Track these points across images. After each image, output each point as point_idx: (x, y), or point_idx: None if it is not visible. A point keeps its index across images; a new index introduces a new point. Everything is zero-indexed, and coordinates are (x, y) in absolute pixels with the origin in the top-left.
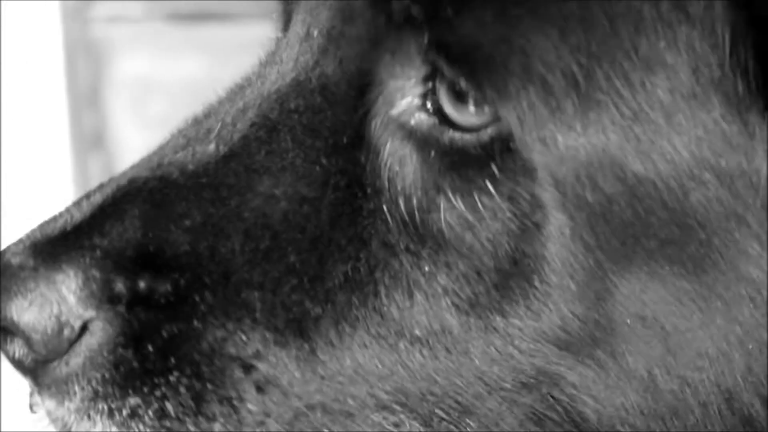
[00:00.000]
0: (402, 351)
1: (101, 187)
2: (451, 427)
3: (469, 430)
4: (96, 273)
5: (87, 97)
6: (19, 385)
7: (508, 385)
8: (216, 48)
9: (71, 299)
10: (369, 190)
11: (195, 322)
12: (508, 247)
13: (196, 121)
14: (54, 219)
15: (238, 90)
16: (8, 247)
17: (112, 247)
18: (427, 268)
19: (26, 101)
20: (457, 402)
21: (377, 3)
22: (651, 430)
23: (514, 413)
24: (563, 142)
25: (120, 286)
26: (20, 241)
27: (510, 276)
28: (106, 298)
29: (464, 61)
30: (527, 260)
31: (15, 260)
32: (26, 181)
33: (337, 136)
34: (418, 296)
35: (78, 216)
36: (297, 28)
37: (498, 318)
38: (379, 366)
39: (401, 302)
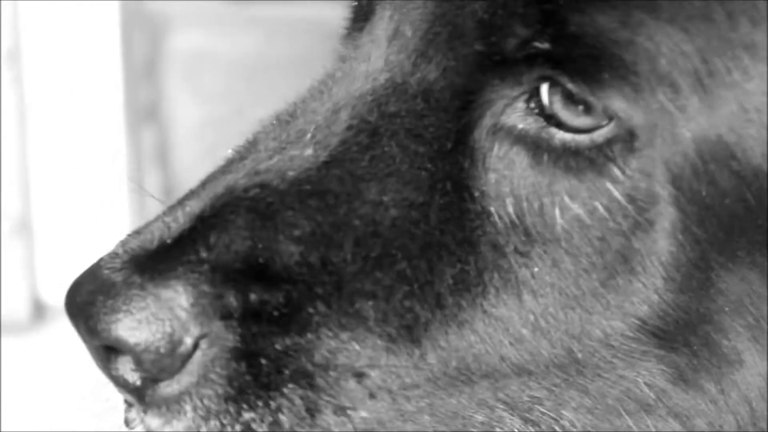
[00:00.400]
0: (508, 351)
1: (193, 194)
2: (551, 422)
3: (567, 424)
4: (206, 288)
5: (142, 70)
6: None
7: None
8: (270, 25)
9: (183, 316)
10: (476, 194)
11: (308, 334)
12: (619, 245)
13: (283, 122)
14: (148, 230)
15: (322, 88)
16: (104, 261)
17: (219, 260)
18: (536, 268)
19: (83, 74)
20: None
21: (493, 31)
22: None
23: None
24: (689, 137)
25: (231, 300)
26: (116, 254)
27: (617, 271)
28: (218, 314)
29: (584, 70)
30: (637, 256)
31: (118, 277)
32: (81, 153)
33: (440, 142)
34: (526, 295)
35: (176, 227)
36: (383, 24)
37: (602, 310)
38: (484, 366)
39: (509, 302)
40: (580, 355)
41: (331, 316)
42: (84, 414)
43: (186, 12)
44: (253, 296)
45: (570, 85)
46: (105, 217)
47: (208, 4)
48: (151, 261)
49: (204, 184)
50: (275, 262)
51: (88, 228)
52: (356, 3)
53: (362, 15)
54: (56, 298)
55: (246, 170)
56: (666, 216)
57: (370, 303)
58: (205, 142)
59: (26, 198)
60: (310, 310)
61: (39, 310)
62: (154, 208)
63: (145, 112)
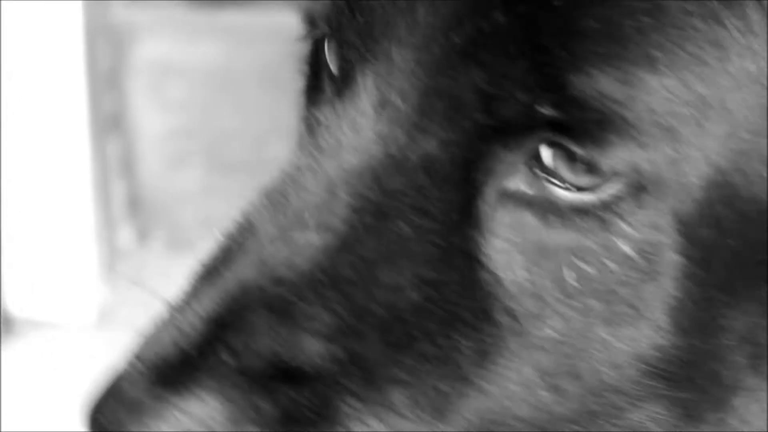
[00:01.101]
0: (525, 411)
1: (199, 291)
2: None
3: None
4: (236, 396)
5: (106, 79)
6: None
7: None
8: (235, 33)
9: (217, 428)
10: (486, 262)
11: (340, 428)
12: (627, 295)
13: (276, 202)
14: (162, 337)
15: (311, 162)
16: (123, 377)
17: (245, 364)
18: (548, 329)
19: (46, 84)
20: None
21: (493, 100)
22: None
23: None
24: (696, 184)
25: (263, 405)
26: (134, 368)
27: (625, 320)
28: (251, 420)
29: (588, 132)
30: (644, 303)
31: (142, 393)
32: (46, 163)
33: (446, 215)
34: (541, 355)
35: (191, 331)
36: (368, 93)
37: (612, 359)
38: (502, 429)
39: (525, 364)
40: (593, 407)
41: (361, 408)
42: (55, 425)
43: (150, 21)
44: (282, 398)
45: (574, 148)
46: (71, 229)
47: (173, 13)
48: (174, 372)
49: (207, 277)
50: (300, 360)
51: (54, 239)
52: (334, 68)
53: (341, 81)
54: (23, 311)
55: (253, 262)
56: (671, 263)
57: (398, 389)
58: (170, 151)
59: None
60: (340, 404)
61: (7, 324)
62: (120, 219)
63: (110, 121)
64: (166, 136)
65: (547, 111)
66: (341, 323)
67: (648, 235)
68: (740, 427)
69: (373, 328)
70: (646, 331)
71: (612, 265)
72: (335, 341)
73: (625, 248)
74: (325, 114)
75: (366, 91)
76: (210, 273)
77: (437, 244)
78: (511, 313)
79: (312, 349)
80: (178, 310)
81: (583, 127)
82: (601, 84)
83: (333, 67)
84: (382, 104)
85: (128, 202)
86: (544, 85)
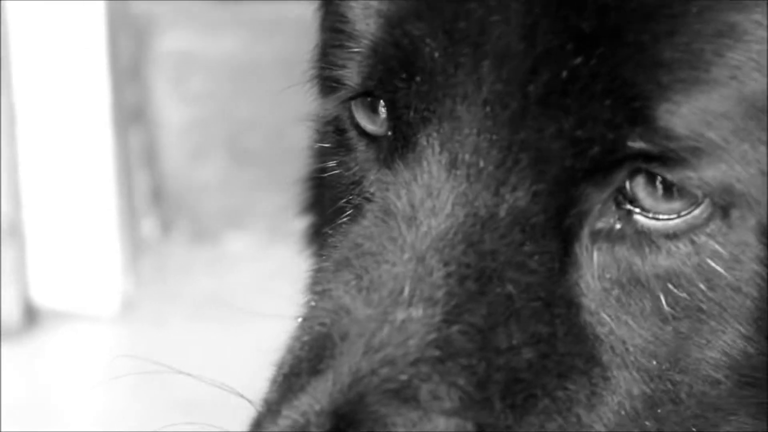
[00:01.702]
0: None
1: (305, 385)
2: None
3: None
4: None
5: (128, 72)
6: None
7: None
8: (255, 25)
9: None
10: (589, 304)
11: None
12: (716, 306)
13: (361, 280)
14: None
15: (385, 230)
16: None
17: None
18: (641, 343)
19: (68, 76)
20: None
21: (583, 144)
22: None
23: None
24: None
25: None
26: None
27: (710, 328)
28: None
29: (679, 159)
30: (727, 316)
31: None
32: (70, 155)
33: (545, 267)
34: (636, 374)
35: (315, 429)
36: (434, 154)
37: (694, 350)
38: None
39: (631, 385)
40: (690, 428)
41: None
42: (79, 416)
43: (172, 13)
44: None
45: (668, 175)
46: (94, 220)
47: (194, 5)
48: None
49: (310, 370)
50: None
51: (78, 230)
52: (391, 133)
53: (398, 143)
54: (48, 301)
55: (358, 347)
56: (755, 271)
57: None
58: (192, 142)
59: (17, 202)
60: None
61: (31, 315)
62: (143, 210)
63: (132, 113)
64: (187, 128)
65: (636, 144)
66: (465, 396)
67: (737, 251)
68: None
69: (496, 395)
70: (735, 342)
71: (703, 285)
72: (463, 416)
73: (716, 267)
74: (382, 177)
75: (434, 152)
76: (312, 365)
77: (541, 298)
78: (614, 350)
79: (442, 426)
80: (288, 407)
81: (672, 153)
82: (688, 111)
83: (371, 127)
84: (454, 164)
85: (151, 193)
86: (632, 120)
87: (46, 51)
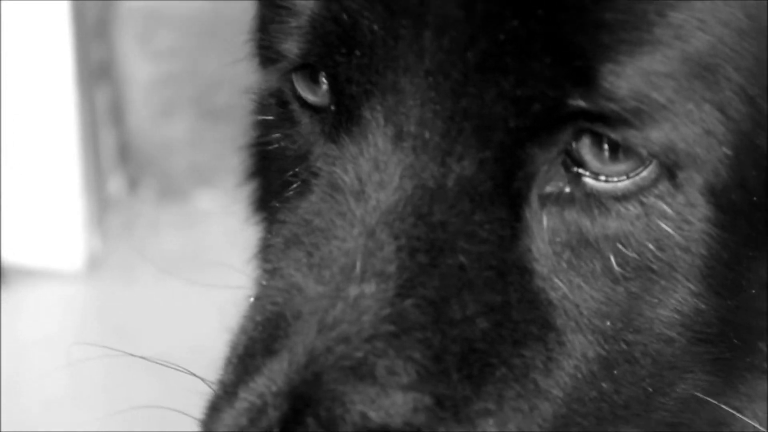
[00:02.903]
0: (581, 347)
1: (261, 365)
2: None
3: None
4: None
5: (94, 28)
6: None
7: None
8: None
9: None
10: (540, 269)
11: None
12: (665, 267)
13: (311, 256)
14: (236, 420)
15: (335, 206)
16: None
17: None
18: (593, 305)
19: (33, 34)
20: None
21: (525, 103)
22: None
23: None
24: (726, 152)
25: None
26: None
27: (661, 287)
28: None
29: (622, 118)
30: (678, 271)
31: None
32: (33, 113)
33: (496, 234)
34: (590, 336)
35: (271, 410)
36: (379, 128)
37: (646, 310)
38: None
39: (583, 344)
40: (647, 388)
41: None
42: (44, 373)
43: None
44: None
45: (609, 133)
46: (60, 178)
47: None
48: None
49: (265, 351)
50: (390, 416)
51: (44, 188)
52: (334, 107)
53: (342, 117)
54: (15, 259)
55: (311, 325)
56: (703, 231)
57: (489, 420)
58: (159, 100)
59: None
60: None
61: None
62: (109, 168)
63: (99, 70)
64: (155, 85)
65: (578, 103)
66: (422, 370)
67: (685, 211)
68: (765, 366)
69: (453, 367)
70: (686, 300)
71: (652, 245)
72: (420, 390)
73: (665, 227)
74: (328, 152)
75: (378, 125)
76: (266, 345)
77: (494, 266)
78: (567, 314)
79: (398, 402)
80: (245, 389)
81: (615, 114)
82: (631, 71)
83: (312, 99)
84: (400, 136)
85: (118, 150)
86: (573, 80)
87: (8, 8)
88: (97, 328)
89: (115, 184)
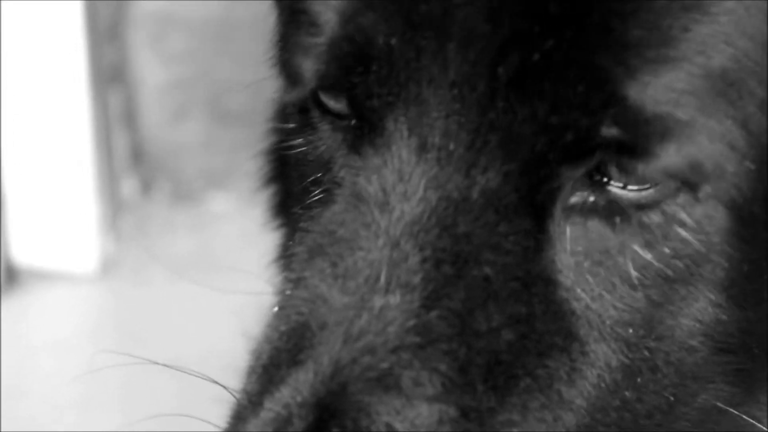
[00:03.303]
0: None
1: (286, 376)
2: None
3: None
4: None
5: (107, 32)
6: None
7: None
8: None
9: None
10: (564, 281)
11: None
12: (684, 278)
13: (335, 267)
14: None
15: (358, 217)
16: None
17: None
18: (614, 314)
19: (46, 37)
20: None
21: (556, 129)
22: None
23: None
24: (749, 166)
25: None
26: None
27: (680, 296)
28: None
29: (649, 145)
30: (698, 284)
31: None
32: (48, 116)
33: (520, 245)
34: (613, 344)
35: (297, 421)
36: (403, 138)
37: (667, 318)
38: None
39: (606, 355)
40: (669, 397)
41: None
42: (58, 376)
43: None
44: None
45: (639, 167)
46: (73, 180)
47: None
48: None
49: (290, 361)
50: (416, 427)
51: (57, 191)
52: (355, 120)
53: (365, 130)
54: (28, 261)
55: (337, 336)
56: (724, 241)
57: (515, 431)
58: (172, 103)
59: None
60: None
61: (12, 274)
62: (123, 170)
63: (112, 73)
64: (168, 88)
65: (610, 132)
66: (447, 381)
67: (705, 222)
68: None
69: (478, 379)
70: (707, 309)
71: (672, 253)
72: (446, 401)
73: (686, 235)
74: (351, 163)
75: (402, 136)
76: (292, 355)
77: (518, 278)
78: (590, 324)
79: (424, 413)
80: (270, 399)
81: (643, 141)
82: (654, 91)
83: (334, 106)
84: (424, 148)
85: (131, 153)
86: (604, 105)
87: (23, 12)
88: (111, 331)
89: (128, 186)
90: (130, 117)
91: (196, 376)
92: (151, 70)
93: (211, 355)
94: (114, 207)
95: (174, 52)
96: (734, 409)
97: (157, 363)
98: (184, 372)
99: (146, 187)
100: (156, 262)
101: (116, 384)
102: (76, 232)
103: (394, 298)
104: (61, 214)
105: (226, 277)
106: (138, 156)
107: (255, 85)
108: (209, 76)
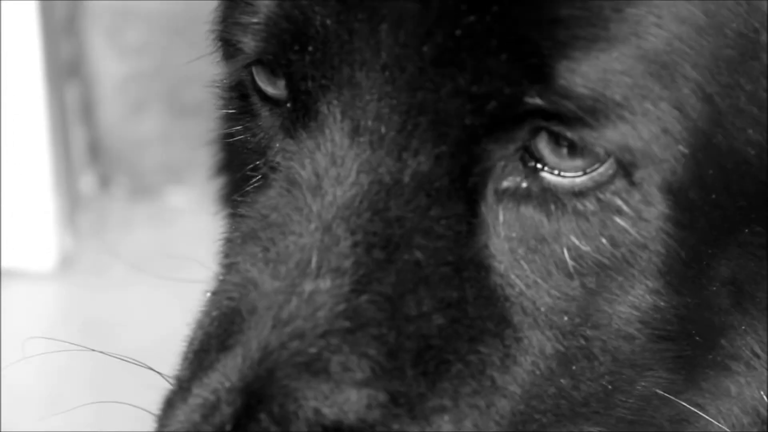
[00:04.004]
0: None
1: (214, 360)
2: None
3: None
4: None
5: (63, 26)
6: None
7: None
8: None
9: None
10: (496, 265)
11: None
12: (620, 266)
13: (267, 252)
14: (188, 415)
15: (291, 200)
16: None
17: (289, 429)
18: (550, 302)
19: (0, 31)
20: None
21: (481, 100)
22: None
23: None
24: (683, 151)
25: None
26: None
27: (618, 285)
28: None
29: (577, 117)
30: (634, 272)
31: None
32: (1, 110)
33: (452, 230)
34: (548, 332)
35: (224, 406)
36: (336, 122)
37: (604, 306)
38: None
39: (538, 341)
40: (606, 385)
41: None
42: (20, 372)
43: None
44: None
45: (566, 132)
46: (30, 177)
47: None
48: None
49: (219, 346)
50: (344, 412)
51: (14, 188)
52: (291, 103)
53: (299, 112)
54: None
55: (266, 321)
56: (660, 228)
57: (444, 417)
58: (129, 97)
59: None
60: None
61: None
62: (80, 166)
63: (68, 67)
64: (125, 82)
65: (535, 101)
66: (377, 366)
67: (642, 208)
68: (728, 363)
69: (408, 364)
70: (644, 297)
71: (608, 242)
72: (375, 386)
73: (622, 223)
74: (286, 147)
75: (335, 120)
76: (221, 340)
77: (450, 262)
78: (525, 310)
79: (353, 399)
80: (199, 385)
81: (572, 113)
82: (587, 69)
83: (272, 91)
84: (357, 131)
85: (89, 148)
86: (529, 77)
87: None
88: (70, 327)
89: (86, 182)
90: (88, 111)
91: (136, 364)
92: (108, 64)
93: (168, 347)
94: (72, 203)
95: (131, 46)
96: (675, 396)
97: (94, 350)
98: (125, 360)
99: (104, 182)
100: (115, 257)
101: (65, 374)
102: (34, 229)
103: (324, 283)
104: (18, 211)
105: (185, 269)
106: (96, 151)
107: (211, 78)
108: (166, 70)
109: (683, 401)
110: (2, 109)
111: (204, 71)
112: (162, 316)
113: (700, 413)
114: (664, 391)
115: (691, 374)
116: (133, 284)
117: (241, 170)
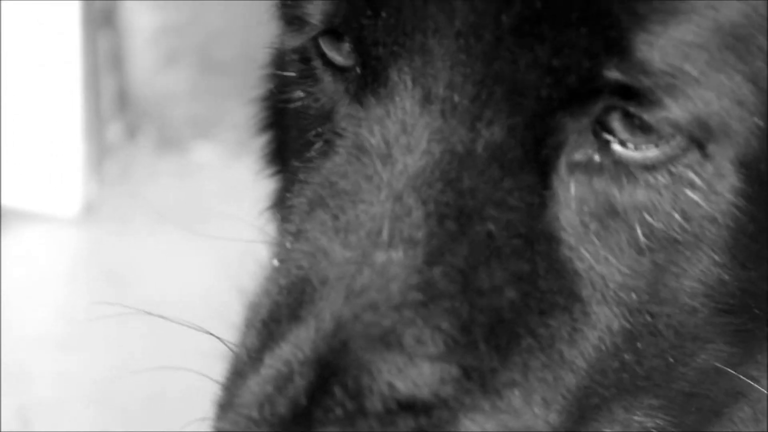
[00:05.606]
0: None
1: (286, 331)
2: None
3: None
4: None
5: None
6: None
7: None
8: None
9: None
10: (566, 239)
11: None
12: (689, 240)
13: (337, 220)
14: (261, 387)
15: (360, 168)
16: None
17: (365, 405)
18: (620, 280)
19: None
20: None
21: (558, 72)
22: None
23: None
24: (758, 123)
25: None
26: (255, 428)
27: (687, 258)
28: None
29: (654, 94)
30: (702, 245)
31: None
32: (35, 58)
33: (524, 202)
34: (615, 308)
35: (298, 378)
36: (407, 90)
37: (671, 281)
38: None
39: (612, 326)
40: (669, 359)
41: (483, 421)
42: (39, 314)
43: None
44: None
45: (645, 115)
46: (60, 123)
47: None
48: (297, 429)
49: (291, 316)
50: (418, 387)
51: (43, 134)
52: (360, 68)
53: (368, 79)
54: (12, 201)
55: (339, 292)
56: (731, 202)
57: (515, 391)
58: (161, 48)
59: None
60: (465, 422)
61: None
62: (109, 115)
63: (102, 17)
64: (157, 34)
65: (613, 75)
66: (450, 340)
67: (714, 182)
68: None
69: (480, 337)
70: (710, 270)
71: (679, 216)
72: (448, 360)
73: (694, 197)
74: (353, 113)
75: (406, 87)
76: (292, 310)
77: (521, 234)
78: (594, 286)
79: (426, 373)
80: (271, 355)
81: (648, 91)
82: (665, 42)
83: (338, 58)
84: (428, 99)
85: (118, 98)
86: (608, 50)
87: None
88: (91, 273)
89: (114, 131)
90: (118, 62)
91: (191, 327)
92: (141, 16)
93: (193, 301)
94: (99, 150)
95: None
96: (732, 369)
97: (150, 313)
98: (174, 322)
99: (132, 132)
100: (139, 207)
101: (99, 329)
102: (61, 174)
103: (397, 254)
104: (47, 156)
105: (209, 223)
106: (125, 101)
107: (244, 33)
108: (199, 24)
109: (740, 374)
110: (37, 55)
111: (236, 27)
112: (183, 267)
113: (755, 385)
114: (723, 364)
115: (749, 347)
116: (155, 234)
117: (299, 135)
